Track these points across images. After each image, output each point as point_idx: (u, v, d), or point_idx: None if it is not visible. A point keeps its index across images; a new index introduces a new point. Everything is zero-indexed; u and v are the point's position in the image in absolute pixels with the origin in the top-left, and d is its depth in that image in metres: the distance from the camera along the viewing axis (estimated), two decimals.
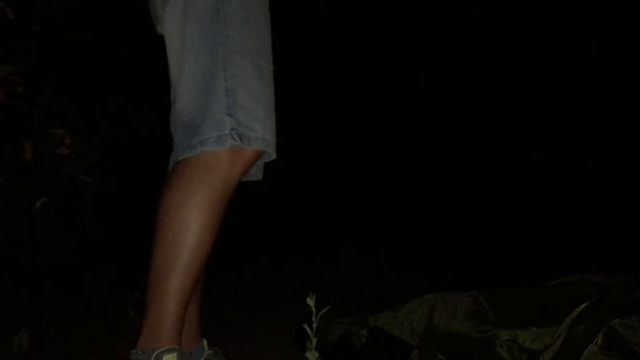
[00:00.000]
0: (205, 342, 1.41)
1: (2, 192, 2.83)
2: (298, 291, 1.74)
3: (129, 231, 3.69)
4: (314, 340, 1.47)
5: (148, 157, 3.93)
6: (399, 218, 5.09)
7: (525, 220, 4.70)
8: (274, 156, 1.36)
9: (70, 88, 3.11)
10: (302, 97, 5.16)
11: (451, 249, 4.42)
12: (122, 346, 2.17)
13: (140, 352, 1.25)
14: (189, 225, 1.26)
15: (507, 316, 1.65)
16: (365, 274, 3.71)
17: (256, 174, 1.53)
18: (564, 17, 4.73)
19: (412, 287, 2.34)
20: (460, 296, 1.80)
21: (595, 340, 1.35)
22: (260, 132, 1.29)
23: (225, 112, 1.28)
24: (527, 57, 5.05)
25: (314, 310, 1.40)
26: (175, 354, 1.24)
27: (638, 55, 4.44)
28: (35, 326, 2.19)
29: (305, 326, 1.50)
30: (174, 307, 1.26)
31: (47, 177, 2.97)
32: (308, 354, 1.48)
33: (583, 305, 1.50)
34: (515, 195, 5.07)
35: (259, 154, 1.32)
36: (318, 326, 1.47)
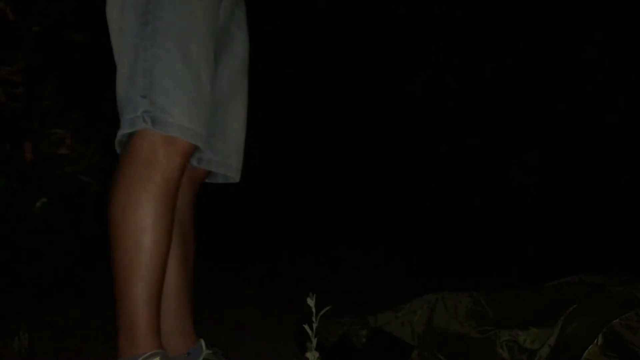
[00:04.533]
0: (202, 341, 1.38)
1: (2, 192, 2.82)
2: (298, 291, 1.74)
3: None
4: (314, 341, 1.47)
5: None
6: (399, 218, 5.09)
7: (525, 221, 4.70)
8: (201, 148, 1.26)
9: (70, 88, 3.10)
10: (301, 97, 5.16)
11: (451, 249, 4.43)
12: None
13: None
14: (139, 225, 1.21)
15: (507, 316, 1.65)
16: (365, 274, 3.71)
17: (228, 174, 1.46)
18: (562, 18, 4.73)
19: (412, 287, 2.34)
20: (460, 296, 1.80)
21: (595, 341, 1.35)
22: (177, 117, 1.20)
23: (141, 93, 1.21)
24: (525, 56, 5.05)
25: (314, 310, 1.39)
26: (158, 358, 1.20)
27: (637, 55, 4.45)
28: (35, 326, 2.19)
29: (306, 326, 1.50)
30: (144, 311, 1.22)
31: (47, 177, 2.96)
32: (308, 354, 1.48)
33: (577, 304, 1.51)
34: (516, 195, 5.07)
35: (191, 149, 1.24)
36: (318, 326, 1.47)
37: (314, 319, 1.42)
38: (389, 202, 5.36)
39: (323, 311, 1.43)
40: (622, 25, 4.48)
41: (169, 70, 1.21)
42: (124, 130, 1.24)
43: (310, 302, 1.39)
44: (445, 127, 5.47)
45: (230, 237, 4.20)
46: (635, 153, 4.42)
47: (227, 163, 1.45)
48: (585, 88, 4.70)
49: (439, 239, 4.69)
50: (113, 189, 1.27)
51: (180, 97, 1.20)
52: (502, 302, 1.75)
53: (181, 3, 1.24)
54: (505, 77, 5.05)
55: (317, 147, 5.18)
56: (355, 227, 4.85)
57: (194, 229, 1.52)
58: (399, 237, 4.65)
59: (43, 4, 2.90)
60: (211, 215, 4.20)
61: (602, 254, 3.40)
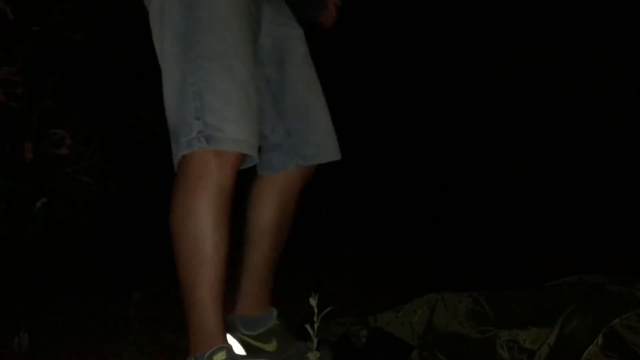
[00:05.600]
0: (275, 311, 1.55)
1: (2, 192, 2.82)
2: (298, 291, 1.74)
3: (129, 231, 3.69)
4: (316, 341, 1.47)
5: (148, 158, 3.93)
6: (400, 218, 5.09)
7: (525, 221, 4.70)
8: (254, 156, 1.36)
9: (70, 88, 3.11)
10: None
11: (451, 249, 4.42)
12: (122, 346, 2.17)
13: (194, 359, 1.31)
14: (197, 233, 1.31)
15: (507, 316, 1.65)
16: (365, 274, 3.70)
17: (328, 159, 1.62)
18: (562, 18, 4.74)
19: (412, 287, 2.34)
20: (460, 296, 1.80)
21: (595, 341, 1.35)
22: (229, 132, 1.29)
23: (194, 115, 1.30)
24: (526, 56, 5.05)
25: (316, 310, 1.39)
26: (224, 352, 1.29)
27: (637, 55, 4.45)
28: (35, 326, 2.19)
29: (307, 326, 1.50)
30: (210, 312, 1.31)
31: (47, 177, 2.97)
32: (309, 355, 1.48)
33: (576, 303, 1.51)
34: (516, 195, 5.07)
35: (240, 159, 1.33)
36: (318, 326, 1.47)
37: (315, 319, 1.43)
38: (389, 202, 5.36)
39: (325, 311, 1.44)
40: (622, 25, 4.48)
41: (216, 90, 1.30)
42: (182, 152, 1.33)
43: (313, 301, 1.39)
44: (445, 127, 5.47)
45: (232, 236, 4.19)
46: (636, 153, 4.42)
47: (325, 151, 1.61)
48: (586, 88, 4.71)
49: (439, 239, 4.69)
50: (172, 202, 1.37)
51: (230, 113, 1.30)
52: (502, 302, 1.75)
53: (218, 25, 1.33)
54: (506, 77, 5.05)
55: None
56: (355, 227, 4.85)
57: (292, 219, 1.68)
58: (399, 237, 4.65)
59: (43, 4, 2.90)
60: None
61: (602, 254, 3.40)
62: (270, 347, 1.52)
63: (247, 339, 1.55)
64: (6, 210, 2.87)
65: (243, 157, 1.34)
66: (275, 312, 1.58)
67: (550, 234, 4.39)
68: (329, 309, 1.44)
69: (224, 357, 1.28)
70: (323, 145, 1.61)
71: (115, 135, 3.41)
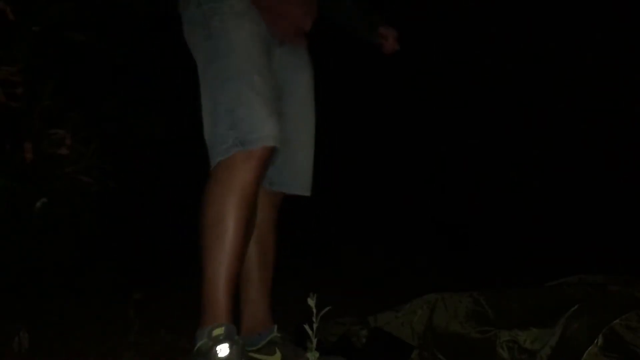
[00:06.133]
0: (275, 327, 1.68)
1: (2, 192, 2.82)
2: (298, 291, 1.74)
3: (129, 231, 3.69)
4: (315, 341, 1.47)
5: (148, 158, 3.93)
6: (400, 218, 5.09)
7: (525, 221, 4.70)
8: (277, 145, 1.55)
9: (70, 88, 3.10)
10: None
11: (451, 250, 4.42)
12: (122, 346, 2.17)
13: (199, 330, 1.48)
14: (221, 223, 1.49)
15: (507, 317, 1.65)
16: (365, 274, 3.71)
17: (298, 193, 1.82)
18: (562, 18, 4.74)
19: (412, 287, 2.34)
20: (460, 297, 1.80)
21: (595, 341, 1.35)
22: (258, 132, 1.51)
23: (229, 128, 1.53)
24: (526, 56, 5.05)
25: (314, 310, 1.41)
26: (222, 328, 1.44)
27: (637, 55, 4.45)
28: (35, 326, 2.19)
29: (306, 326, 1.50)
30: (219, 293, 1.48)
31: (47, 177, 2.96)
32: (309, 355, 1.48)
33: (578, 304, 1.51)
34: (516, 195, 5.07)
35: (267, 151, 1.53)
36: (318, 326, 1.47)
37: (314, 319, 1.43)
38: (389, 202, 5.36)
39: (324, 311, 1.44)
40: (622, 25, 4.48)
41: (245, 104, 1.54)
42: (220, 158, 1.53)
43: (311, 302, 1.40)
44: (445, 127, 5.47)
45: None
46: (635, 153, 4.42)
47: (293, 184, 1.81)
48: (586, 88, 4.70)
49: (439, 239, 4.69)
50: (204, 196, 1.54)
51: (257, 117, 1.53)
52: (502, 302, 1.75)
53: (235, 49, 1.57)
54: (506, 77, 5.05)
55: (317, 147, 5.15)
56: (356, 227, 4.85)
57: (274, 240, 1.84)
58: (399, 237, 4.65)
59: (43, 4, 2.90)
60: None
61: (602, 254, 3.40)
62: (275, 358, 1.62)
63: (250, 354, 1.64)
64: (6, 210, 2.87)
65: (271, 151, 1.54)
66: (275, 328, 1.70)
67: (551, 234, 4.39)
68: (327, 309, 1.45)
69: (221, 332, 1.43)
70: (294, 178, 1.81)
71: (115, 135, 3.41)
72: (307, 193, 1.84)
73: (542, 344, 1.50)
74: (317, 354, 1.47)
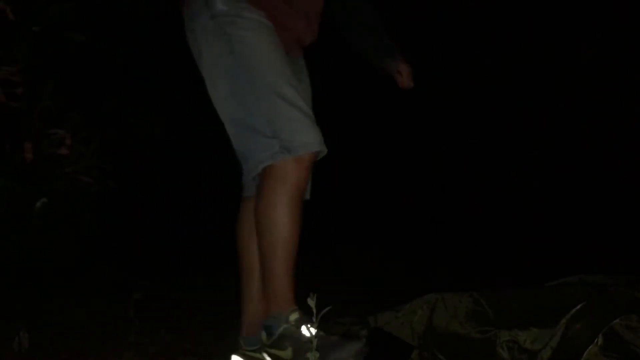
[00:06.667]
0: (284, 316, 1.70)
1: (2, 192, 2.82)
2: (298, 291, 1.74)
3: (129, 231, 3.69)
4: (315, 341, 1.48)
5: (148, 158, 3.93)
6: (399, 218, 5.09)
7: (525, 221, 4.70)
8: (324, 149, 1.67)
9: (70, 88, 3.10)
10: None
11: (452, 249, 4.42)
12: (122, 346, 2.17)
13: (272, 318, 1.60)
14: (278, 222, 1.63)
15: (507, 317, 1.65)
16: (365, 274, 3.70)
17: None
18: (562, 17, 4.74)
19: (412, 287, 2.34)
20: (460, 297, 1.80)
21: (595, 341, 1.35)
22: (302, 139, 1.62)
23: (271, 136, 1.62)
24: (526, 56, 5.05)
25: (314, 310, 1.42)
26: (297, 313, 1.58)
27: (637, 56, 4.45)
28: (35, 326, 2.19)
29: (306, 327, 1.50)
30: (284, 282, 1.62)
31: (47, 177, 2.96)
32: (309, 355, 1.48)
33: (580, 305, 1.51)
34: (516, 195, 5.07)
35: (313, 155, 1.65)
36: (318, 326, 1.47)
37: (314, 319, 1.44)
38: (389, 202, 5.36)
39: (324, 311, 1.45)
40: (622, 26, 4.48)
41: (280, 113, 1.63)
42: (266, 163, 1.63)
43: (311, 302, 1.40)
44: (445, 127, 5.47)
45: (228, 238, 4.19)
46: (636, 153, 4.42)
47: None
48: (586, 88, 4.70)
49: (439, 239, 4.69)
50: (257, 199, 1.67)
51: (297, 126, 1.63)
52: (503, 302, 1.75)
53: (261, 61, 1.64)
54: (506, 77, 5.05)
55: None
56: (355, 227, 4.85)
57: None
58: (399, 237, 4.65)
59: (43, 4, 2.90)
60: (216, 215, 4.20)
61: (602, 254, 3.40)
62: (286, 354, 1.63)
63: (252, 354, 1.73)
64: (6, 210, 2.87)
65: (316, 154, 1.66)
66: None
67: (550, 234, 4.39)
68: (327, 309, 1.45)
69: (297, 316, 1.57)
70: None
71: (115, 135, 3.40)
72: (307, 197, 1.88)
73: (543, 344, 1.50)
74: (317, 354, 1.48)
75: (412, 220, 5.01)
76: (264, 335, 1.62)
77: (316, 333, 1.51)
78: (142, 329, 2.28)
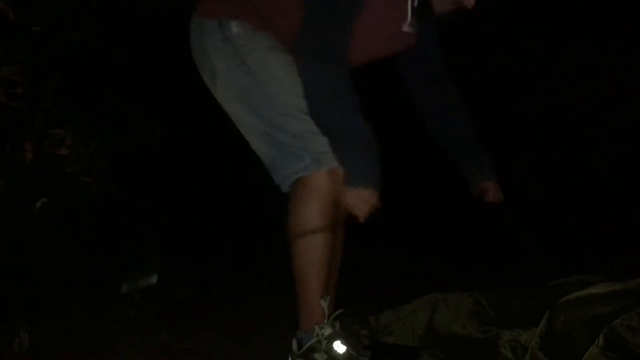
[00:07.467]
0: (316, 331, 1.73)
1: (2, 192, 2.82)
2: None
3: (129, 231, 3.69)
4: (324, 342, 1.49)
5: (148, 158, 3.93)
6: (400, 218, 5.09)
7: (525, 221, 4.70)
8: None
9: (71, 88, 3.10)
10: None
11: (452, 249, 4.42)
12: (122, 346, 2.17)
13: (304, 332, 1.62)
14: (311, 235, 1.64)
15: (508, 317, 1.66)
16: (365, 273, 3.70)
17: None
18: (562, 17, 4.74)
19: (412, 287, 2.34)
20: (461, 297, 1.80)
21: (596, 342, 1.35)
22: (329, 153, 1.65)
23: (302, 149, 1.66)
24: (526, 55, 5.05)
25: (326, 312, 1.43)
26: (329, 327, 1.55)
27: (637, 56, 4.45)
28: (35, 326, 2.18)
29: (317, 327, 1.50)
30: (316, 296, 1.61)
31: (47, 178, 2.96)
32: (317, 355, 1.49)
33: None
34: (515, 195, 5.07)
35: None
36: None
37: (325, 321, 1.45)
38: (389, 201, 5.35)
39: (336, 313, 1.47)
40: (621, 25, 4.48)
41: (307, 129, 1.66)
42: (299, 174, 1.67)
43: (324, 303, 1.42)
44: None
45: (228, 238, 4.20)
46: (636, 153, 4.42)
47: None
48: (586, 88, 4.70)
49: (439, 239, 4.69)
50: (291, 210, 1.68)
51: (325, 140, 1.67)
52: (503, 302, 1.75)
53: (285, 80, 1.68)
54: (506, 77, 5.05)
55: None
56: (355, 227, 4.84)
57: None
58: (399, 237, 4.65)
59: (43, 4, 2.90)
60: (216, 216, 4.20)
61: (602, 254, 3.40)
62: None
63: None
64: (6, 210, 2.87)
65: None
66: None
67: (550, 234, 4.39)
68: (339, 311, 1.47)
69: (330, 331, 1.55)
70: None
71: (115, 135, 3.40)
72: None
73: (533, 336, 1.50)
74: (325, 356, 1.50)
75: (412, 219, 5.01)
76: (295, 344, 1.61)
77: (346, 351, 1.53)
78: (142, 329, 2.28)
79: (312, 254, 1.65)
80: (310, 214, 1.65)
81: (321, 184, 1.65)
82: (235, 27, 1.69)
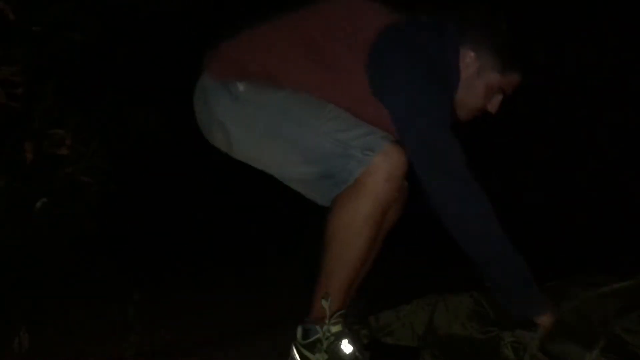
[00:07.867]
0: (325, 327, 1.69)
1: (2, 192, 2.82)
2: (298, 291, 1.74)
3: (129, 231, 3.69)
4: (325, 343, 1.49)
5: (148, 158, 3.93)
6: (399, 218, 5.09)
7: (524, 220, 4.70)
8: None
9: (71, 88, 3.10)
10: None
11: (452, 249, 4.41)
12: (122, 346, 2.17)
13: (313, 322, 1.57)
14: (355, 236, 1.60)
15: (508, 317, 1.65)
16: (365, 273, 3.69)
17: None
18: (563, 17, 4.74)
19: (412, 287, 2.34)
20: (461, 297, 1.80)
21: (597, 342, 1.35)
22: (377, 141, 1.61)
23: (346, 152, 1.61)
24: (526, 55, 5.04)
25: (327, 312, 1.42)
26: (340, 325, 1.56)
27: (637, 55, 4.45)
28: (35, 326, 2.18)
29: (317, 327, 1.50)
30: (340, 297, 1.59)
31: (47, 178, 2.96)
32: (318, 356, 1.48)
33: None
34: (515, 194, 5.07)
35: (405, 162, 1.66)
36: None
37: (327, 321, 1.45)
38: None
39: (337, 314, 1.46)
40: (621, 26, 4.48)
41: (338, 136, 1.62)
42: (360, 168, 1.59)
43: (325, 303, 1.41)
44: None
45: (228, 238, 4.20)
46: (636, 153, 4.42)
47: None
48: (586, 88, 4.71)
49: (439, 238, 4.69)
50: (337, 208, 1.63)
51: (368, 137, 1.64)
52: None
53: (298, 105, 1.64)
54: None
55: None
56: None
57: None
58: (399, 237, 4.64)
59: (43, 4, 2.90)
60: (216, 216, 4.20)
61: (602, 253, 3.39)
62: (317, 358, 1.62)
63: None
64: (6, 210, 2.87)
65: (406, 165, 1.67)
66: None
67: (551, 234, 4.39)
68: (340, 312, 1.46)
69: (340, 329, 1.55)
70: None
71: (116, 135, 3.40)
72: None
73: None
74: (325, 356, 1.48)
75: (412, 219, 5.00)
76: (300, 331, 1.58)
77: (352, 351, 1.51)
78: (142, 329, 2.28)
79: (350, 253, 1.62)
80: (360, 213, 1.60)
81: (378, 187, 1.61)
82: (242, 87, 1.66)
